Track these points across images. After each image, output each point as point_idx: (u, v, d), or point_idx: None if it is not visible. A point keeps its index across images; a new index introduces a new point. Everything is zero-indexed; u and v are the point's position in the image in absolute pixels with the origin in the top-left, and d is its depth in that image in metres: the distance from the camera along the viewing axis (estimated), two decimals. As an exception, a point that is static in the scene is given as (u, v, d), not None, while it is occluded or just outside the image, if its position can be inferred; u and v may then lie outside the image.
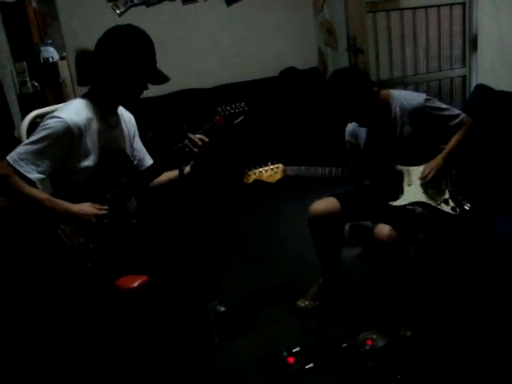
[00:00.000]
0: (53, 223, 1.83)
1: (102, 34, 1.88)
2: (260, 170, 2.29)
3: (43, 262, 1.87)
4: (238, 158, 3.67)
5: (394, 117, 2.35)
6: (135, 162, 2.17)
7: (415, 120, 2.32)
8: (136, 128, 2.22)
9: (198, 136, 1.96)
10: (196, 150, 1.95)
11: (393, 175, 2.36)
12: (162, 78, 1.93)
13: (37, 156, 1.78)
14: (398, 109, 2.35)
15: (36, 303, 2.21)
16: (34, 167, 1.78)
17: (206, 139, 1.97)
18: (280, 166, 2.29)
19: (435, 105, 2.34)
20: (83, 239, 1.85)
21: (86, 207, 1.85)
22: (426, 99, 2.33)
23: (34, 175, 1.79)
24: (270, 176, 2.29)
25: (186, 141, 1.95)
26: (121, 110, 2.12)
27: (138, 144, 2.23)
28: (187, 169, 2.11)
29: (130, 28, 1.91)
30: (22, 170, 1.77)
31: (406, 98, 2.37)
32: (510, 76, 3.34)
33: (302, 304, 2.57)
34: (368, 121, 2.38)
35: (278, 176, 2.29)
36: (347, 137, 2.57)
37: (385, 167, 2.35)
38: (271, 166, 2.29)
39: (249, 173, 2.29)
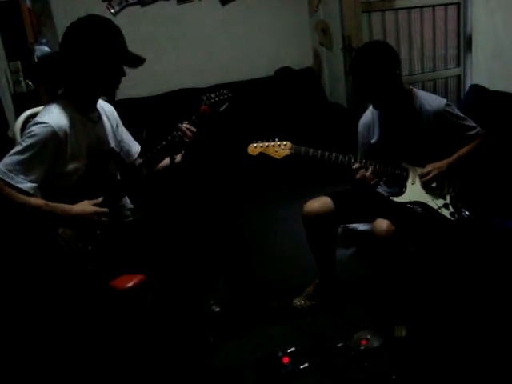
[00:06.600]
0: (50, 230, 1.80)
1: (65, 31, 1.84)
2: (267, 144, 2.27)
3: (45, 269, 1.86)
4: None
5: (414, 113, 2.35)
6: (121, 153, 2.14)
7: (432, 122, 2.32)
8: (118, 119, 2.20)
9: (186, 126, 1.98)
10: (187, 139, 1.97)
11: (398, 171, 2.36)
12: (137, 60, 1.91)
13: (26, 165, 1.75)
14: (418, 106, 2.35)
15: (39, 309, 2.19)
16: (24, 177, 1.75)
17: (194, 129, 1.99)
18: (288, 143, 2.26)
19: (454, 112, 2.35)
20: (82, 243, 1.84)
21: (86, 206, 1.84)
22: (447, 104, 2.33)
23: (26, 185, 1.75)
24: (277, 152, 2.25)
25: (175, 133, 1.97)
26: (100, 103, 2.08)
27: (123, 134, 2.21)
28: (178, 158, 2.10)
29: (92, 18, 1.89)
30: (12, 182, 1.73)
31: (427, 99, 2.37)
32: (504, 76, 3.35)
33: (298, 303, 2.56)
34: (387, 103, 2.34)
35: (285, 153, 2.25)
36: (360, 128, 2.54)
37: (392, 162, 2.34)
38: (278, 142, 2.26)
39: (255, 145, 2.27)
